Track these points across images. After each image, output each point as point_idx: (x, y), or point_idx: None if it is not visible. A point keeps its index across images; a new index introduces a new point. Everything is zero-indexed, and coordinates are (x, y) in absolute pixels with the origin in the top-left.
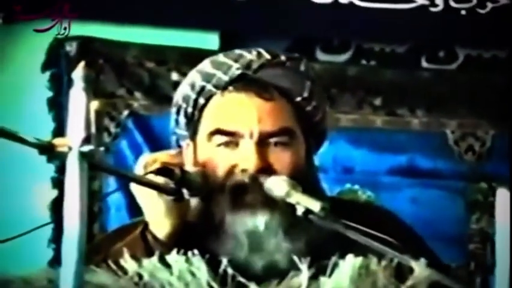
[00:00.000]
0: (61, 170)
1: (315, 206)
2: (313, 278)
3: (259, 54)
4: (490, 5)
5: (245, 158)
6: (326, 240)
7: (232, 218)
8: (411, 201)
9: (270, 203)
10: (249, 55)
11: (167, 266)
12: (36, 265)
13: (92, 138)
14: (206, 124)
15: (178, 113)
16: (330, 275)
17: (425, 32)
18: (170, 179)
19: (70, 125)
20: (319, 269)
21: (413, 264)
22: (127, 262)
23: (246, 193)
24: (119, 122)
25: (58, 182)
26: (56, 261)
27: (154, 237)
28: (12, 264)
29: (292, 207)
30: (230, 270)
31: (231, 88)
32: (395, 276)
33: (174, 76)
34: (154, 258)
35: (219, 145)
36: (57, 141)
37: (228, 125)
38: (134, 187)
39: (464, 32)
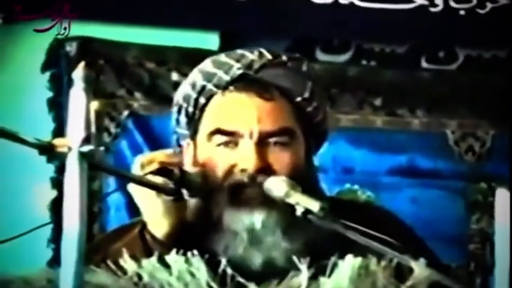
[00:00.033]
0: (61, 170)
1: (315, 206)
2: (313, 278)
3: (260, 54)
4: (489, 5)
5: (244, 158)
6: (326, 240)
7: (230, 216)
8: (411, 201)
9: (268, 202)
10: (251, 55)
11: (166, 266)
12: (36, 265)
13: (92, 139)
14: (206, 124)
15: (179, 112)
16: (329, 275)
17: (425, 32)
18: (169, 179)
19: (69, 125)
20: (318, 269)
21: (413, 264)
22: (127, 262)
23: (244, 192)
24: (119, 122)
25: (58, 182)
26: (55, 262)
27: (153, 236)
28: (12, 264)
29: (291, 208)
30: (229, 270)
31: (231, 88)
32: (394, 276)
33: (174, 76)
34: (154, 259)
35: (219, 145)
36: (57, 141)
37: (228, 125)
38: (131, 187)
39: (464, 32)
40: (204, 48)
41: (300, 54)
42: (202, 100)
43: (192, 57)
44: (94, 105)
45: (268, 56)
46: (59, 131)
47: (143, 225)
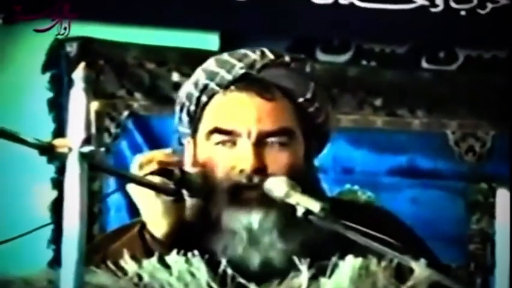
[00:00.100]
0: (61, 171)
1: (315, 206)
2: (313, 278)
3: (263, 54)
4: (490, 6)
5: (242, 158)
6: (326, 240)
7: (228, 216)
8: (412, 201)
9: (266, 203)
10: (253, 55)
11: (167, 266)
12: (36, 266)
13: (93, 139)
14: (205, 122)
15: (181, 110)
16: (330, 276)
17: (425, 33)
18: (170, 180)
19: (70, 125)
20: (319, 270)
21: (413, 264)
22: (127, 263)
23: (242, 192)
24: (119, 122)
25: (58, 183)
26: (56, 262)
27: (152, 236)
28: (12, 265)
29: (292, 208)
30: (230, 271)
31: (233, 87)
32: (395, 276)
33: (174, 77)
34: (154, 259)
35: (217, 144)
36: (57, 142)
37: (226, 124)
38: (131, 187)
39: (464, 33)
40: (204, 48)
41: (301, 54)
42: (204, 99)
43: (192, 58)
44: (94, 105)
45: (271, 56)
46: (60, 131)
47: (143, 225)
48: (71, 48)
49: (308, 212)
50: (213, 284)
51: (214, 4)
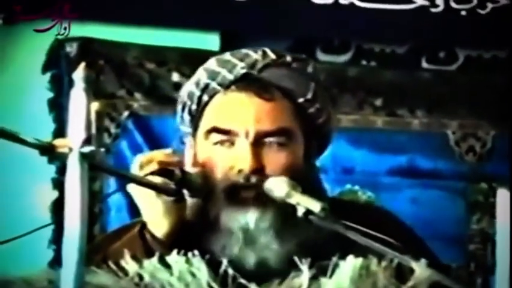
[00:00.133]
0: (62, 171)
1: (316, 206)
2: (314, 278)
3: (264, 54)
4: (490, 6)
5: (240, 158)
6: (326, 240)
7: (226, 215)
8: (412, 201)
9: (264, 203)
10: (255, 55)
11: (167, 266)
12: (37, 266)
13: (93, 139)
14: (205, 122)
15: (183, 110)
16: (330, 276)
17: (425, 33)
18: (170, 180)
19: (70, 125)
20: (319, 270)
21: (414, 264)
22: (128, 263)
23: (240, 192)
24: (119, 122)
25: (59, 183)
26: (56, 262)
27: (153, 235)
28: (13, 265)
29: (292, 208)
30: (230, 271)
31: (233, 87)
32: (395, 277)
33: (174, 77)
34: (155, 259)
35: (215, 143)
36: (57, 142)
37: (224, 123)
38: (131, 187)
39: (465, 33)
40: (204, 48)
41: (301, 54)
42: (205, 98)
43: (192, 58)
44: (95, 105)
45: (272, 56)
46: (60, 131)
47: (143, 225)
48: (71, 48)
49: (308, 212)
50: (213, 284)
51: (214, 4)
